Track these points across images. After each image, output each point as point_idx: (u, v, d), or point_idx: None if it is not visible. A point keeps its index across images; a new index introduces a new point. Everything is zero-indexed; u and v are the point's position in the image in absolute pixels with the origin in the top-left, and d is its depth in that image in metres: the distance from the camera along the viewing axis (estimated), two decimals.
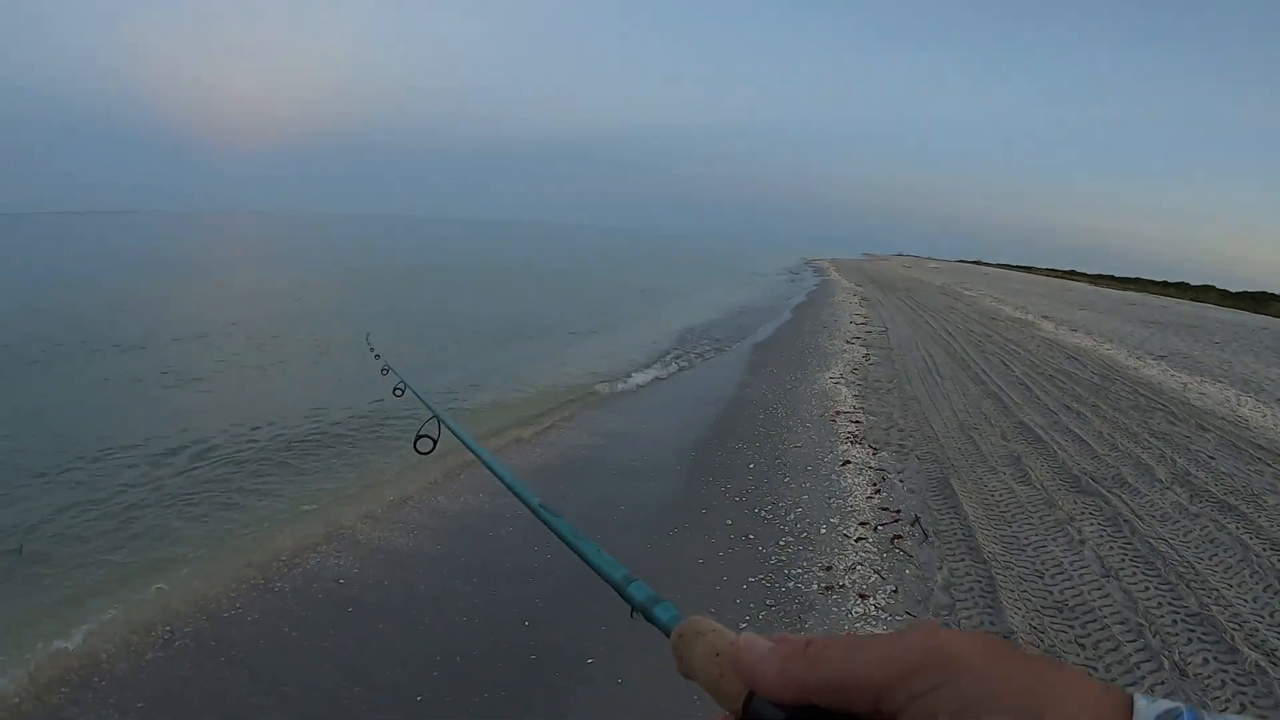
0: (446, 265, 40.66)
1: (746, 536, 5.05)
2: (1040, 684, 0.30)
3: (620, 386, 10.05)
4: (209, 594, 4.31)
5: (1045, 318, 20.49)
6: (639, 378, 10.65)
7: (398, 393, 2.22)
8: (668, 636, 0.47)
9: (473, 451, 1.17)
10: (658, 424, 8.17)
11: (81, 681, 3.49)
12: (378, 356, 2.96)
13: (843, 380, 9.99)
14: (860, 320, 17.34)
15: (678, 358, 12.51)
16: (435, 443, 1.54)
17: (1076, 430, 7.74)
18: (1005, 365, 11.56)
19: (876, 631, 0.44)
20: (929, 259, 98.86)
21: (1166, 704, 0.29)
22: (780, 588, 4.33)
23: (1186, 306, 32.98)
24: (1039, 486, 6.01)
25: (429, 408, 1.65)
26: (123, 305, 16.72)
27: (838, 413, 8.18)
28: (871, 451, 6.81)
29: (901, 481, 6.06)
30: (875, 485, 5.95)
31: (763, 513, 5.45)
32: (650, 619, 0.53)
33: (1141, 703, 0.29)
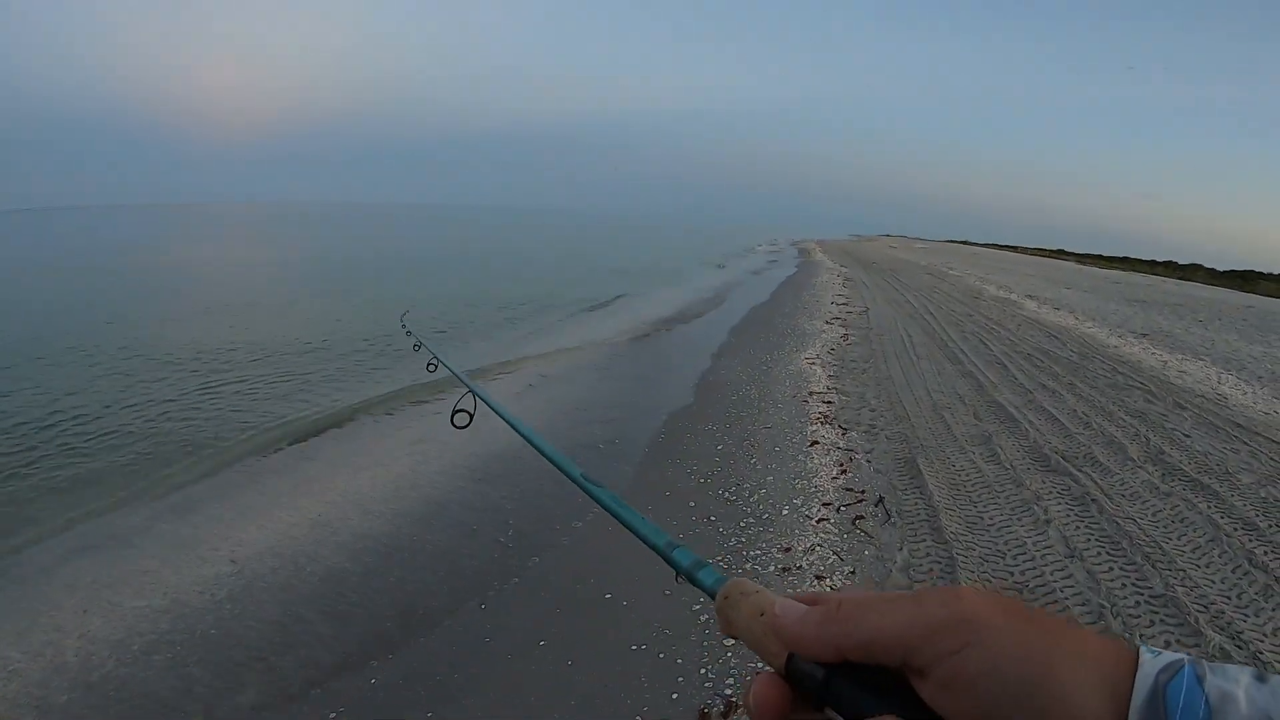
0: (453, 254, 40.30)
1: (708, 518, 4.90)
2: (1053, 642, 0.33)
3: (587, 362, 9.87)
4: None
5: (1029, 296, 20.40)
6: (605, 356, 10.47)
7: (430, 368, 2.25)
8: (712, 599, 0.48)
9: (510, 424, 1.16)
10: (626, 406, 7.99)
11: None
12: (409, 333, 3.01)
13: (818, 361, 9.84)
14: (842, 301, 17.19)
15: (648, 338, 12.33)
16: (472, 416, 1.54)
17: (1050, 409, 7.62)
18: (984, 344, 11.44)
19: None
20: (916, 239, 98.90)
21: (1170, 656, 0.32)
22: (736, 569, 4.18)
23: (1171, 285, 33.00)
24: (1007, 466, 5.89)
25: (465, 383, 1.64)
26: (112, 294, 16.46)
27: (810, 393, 8.04)
28: (841, 431, 6.67)
29: (869, 462, 5.92)
30: (842, 466, 5.81)
31: (726, 494, 5.30)
32: (695, 583, 0.53)
33: (1146, 656, 0.32)
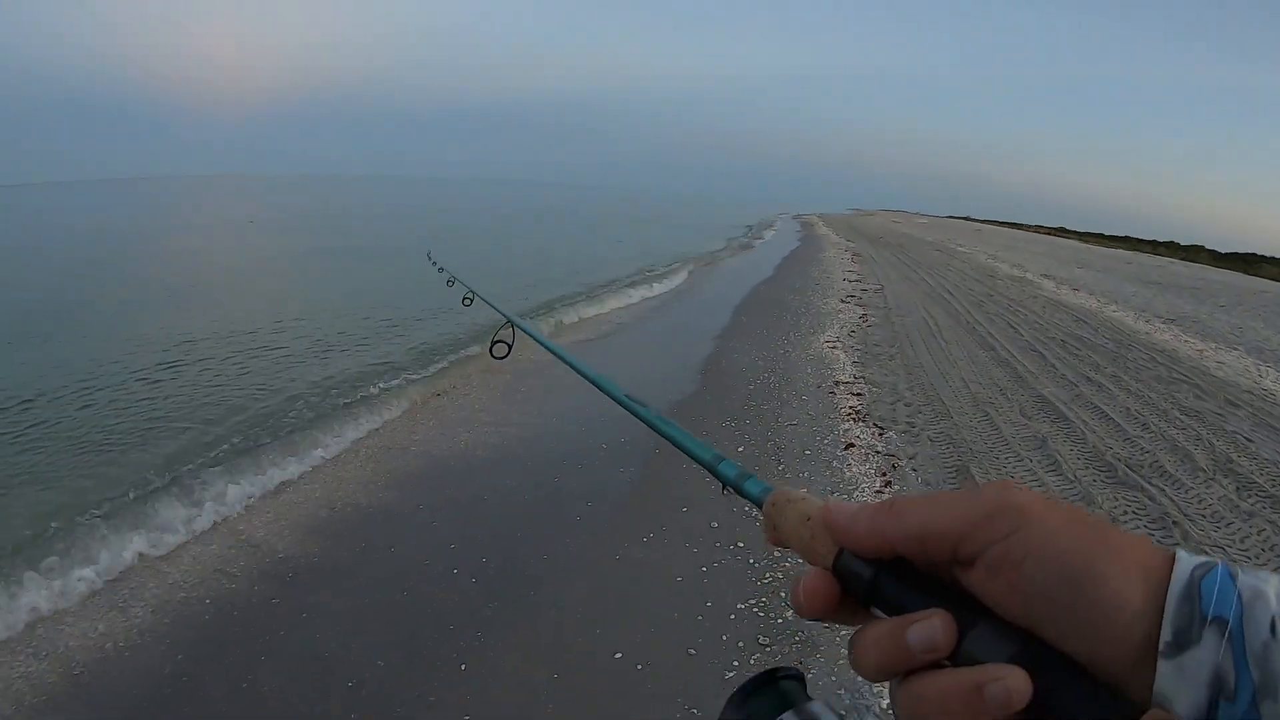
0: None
1: (735, 544, 4.19)
2: (1097, 537, 0.33)
3: (589, 338, 9.12)
4: None
5: (1045, 276, 19.65)
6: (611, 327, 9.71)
7: (466, 302, 2.26)
8: (760, 509, 0.49)
9: (551, 351, 1.16)
10: (633, 392, 7.24)
11: None
12: (440, 270, 2.97)
13: (839, 344, 9.11)
14: (854, 278, 16.41)
15: (654, 316, 11.56)
16: (510, 347, 1.54)
17: (1102, 406, 6.92)
18: (1012, 328, 10.71)
19: None
20: (917, 214, 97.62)
21: (1204, 557, 0.32)
22: (775, 618, 3.48)
23: (1181, 267, 32.27)
24: (1072, 478, 5.19)
25: (501, 313, 1.61)
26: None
27: (836, 382, 7.31)
28: (878, 431, 5.95)
29: (915, 471, 5.21)
30: (885, 476, 5.10)
31: (754, 512, 4.57)
32: (742, 493, 0.53)
33: (1183, 554, 0.32)
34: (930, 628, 0.35)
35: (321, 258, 20.36)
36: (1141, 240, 57.01)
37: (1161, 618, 0.31)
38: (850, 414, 6.35)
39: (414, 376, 7.80)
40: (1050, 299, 14.76)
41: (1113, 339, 10.61)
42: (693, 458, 0.63)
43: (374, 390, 7.28)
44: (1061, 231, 67.86)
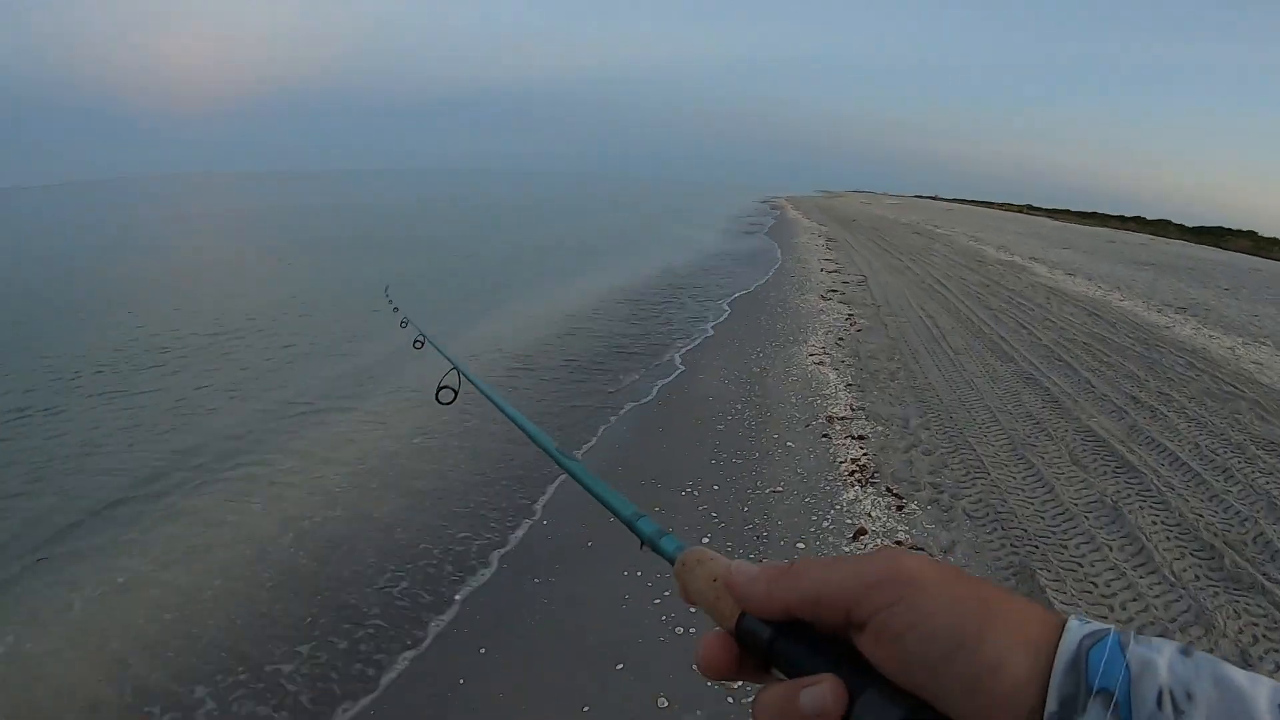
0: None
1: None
2: (984, 605, 0.33)
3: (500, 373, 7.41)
4: None
5: (1035, 259, 18.28)
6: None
7: (417, 345, 2.22)
8: (673, 565, 0.48)
9: (491, 401, 1.17)
10: (550, 436, 5.56)
11: None
12: (396, 309, 2.92)
13: (827, 357, 7.49)
14: (832, 268, 14.81)
15: (593, 321, 9.85)
16: (456, 393, 1.54)
17: (1166, 443, 5.39)
18: (1024, 328, 9.19)
19: None
20: (886, 195, 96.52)
21: (1097, 625, 0.32)
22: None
23: (1164, 244, 31.23)
24: (1172, 579, 3.63)
25: (449, 359, 1.62)
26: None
27: (830, 418, 5.69)
28: (894, 504, 4.33)
29: None
30: None
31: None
32: (657, 550, 0.53)
33: (1074, 623, 0.32)
34: (820, 693, 0.35)
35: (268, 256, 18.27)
36: (1109, 216, 56.42)
37: (1048, 688, 0.31)
38: (854, 473, 4.72)
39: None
40: (1049, 287, 13.31)
41: (1136, 338, 9.14)
42: (612, 511, 0.62)
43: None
44: (1029, 209, 67.16)
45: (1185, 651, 0.30)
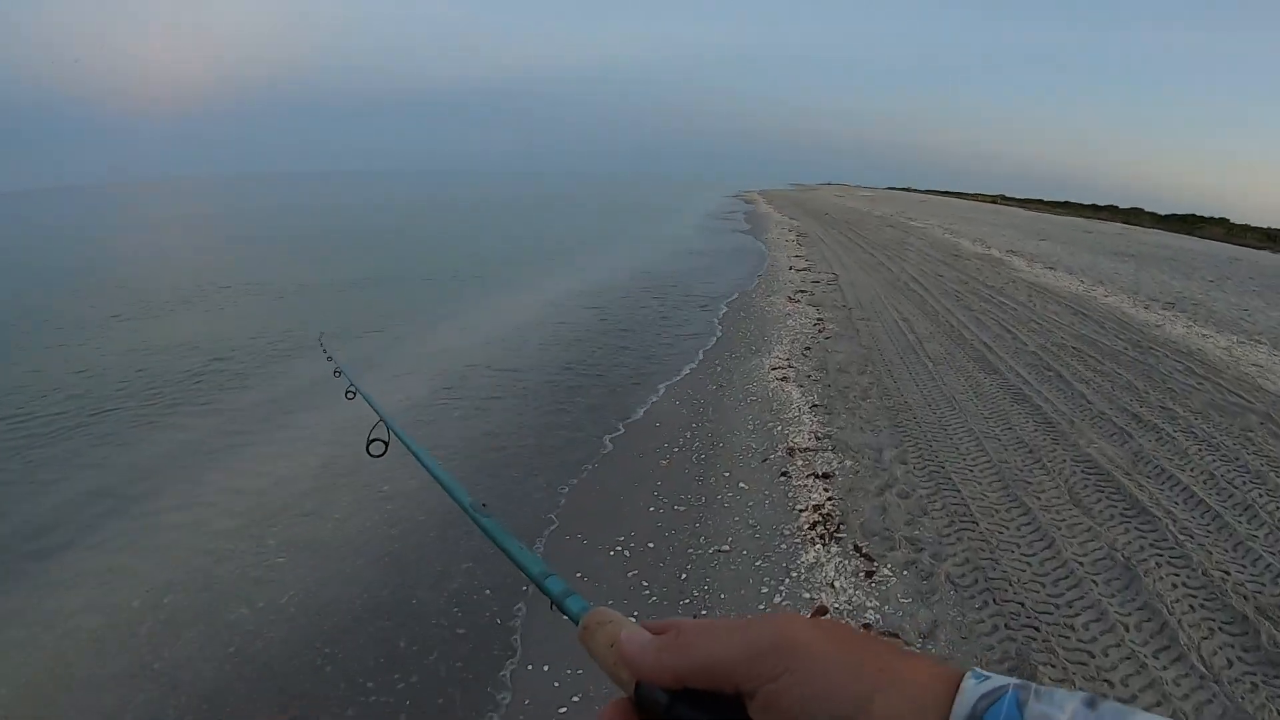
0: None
1: None
2: (873, 669, 0.32)
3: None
4: None
5: (1012, 252, 17.65)
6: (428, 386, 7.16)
7: (349, 395, 2.18)
8: (577, 626, 0.48)
9: (414, 455, 1.19)
10: (489, 502, 4.71)
11: None
12: (330, 359, 2.79)
13: (792, 371, 6.69)
14: (802, 265, 14.03)
15: (534, 338, 8.99)
16: (387, 445, 1.53)
17: (1176, 473, 4.65)
18: (1008, 332, 8.46)
19: None
20: (859, 187, 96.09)
21: (996, 681, 0.30)
22: None
23: (1141, 234, 30.75)
24: (1200, 666, 2.87)
25: (377, 413, 1.60)
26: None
27: (792, 450, 4.89)
28: (864, 570, 3.51)
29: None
30: None
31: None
32: (564, 611, 0.54)
33: (970, 681, 0.31)
34: None
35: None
36: (1081, 205, 56.47)
37: None
38: (816, 524, 3.90)
39: None
40: (1030, 282, 12.64)
41: (1128, 340, 8.44)
42: (522, 570, 0.63)
43: None
44: (1002, 199, 67.07)
45: (1090, 703, 0.28)
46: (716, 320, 9.26)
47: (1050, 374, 6.77)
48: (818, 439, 5.04)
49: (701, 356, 7.48)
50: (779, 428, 5.29)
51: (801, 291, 10.94)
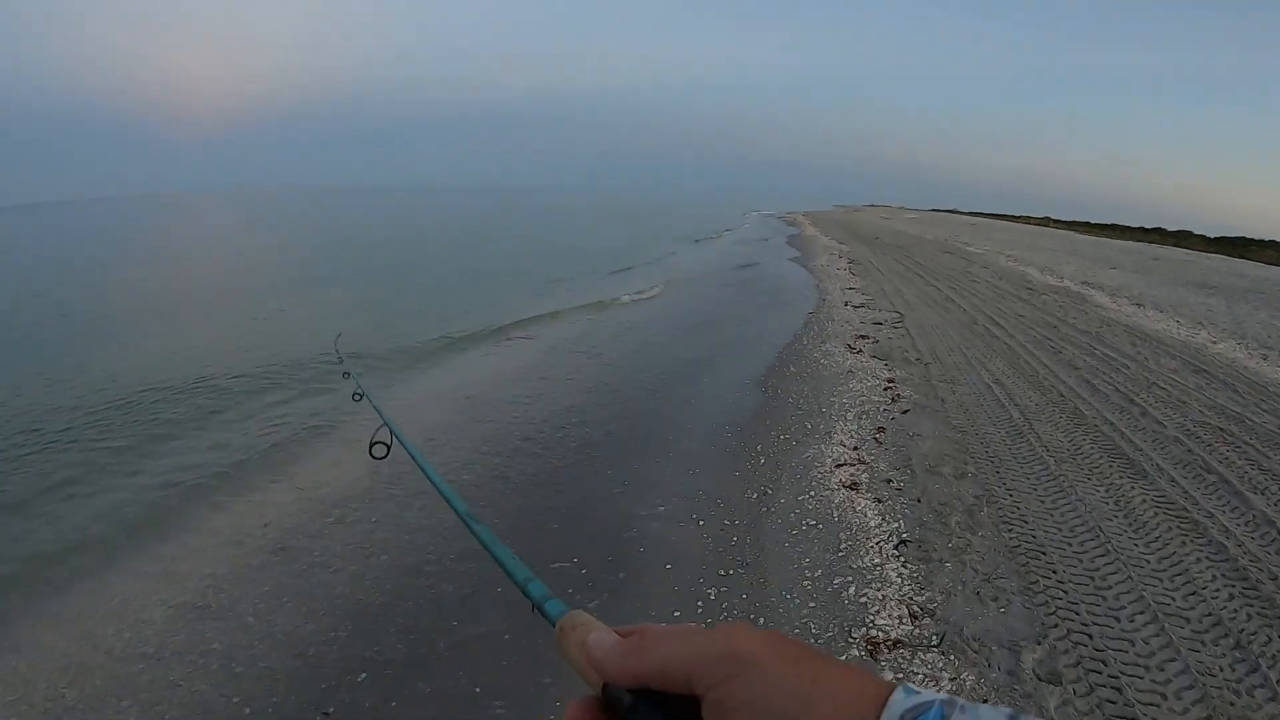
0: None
1: None
2: (813, 683, 0.33)
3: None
4: None
5: (1086, 284, 15.61)
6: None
7: (356, 398, 2.20)
8: (554, 628, 0.50)
9: (414, 459, 1.21)
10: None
11: None
12: (340, 361, 2.89)
13: (862, 470, 4.95)
14: (858, 301, 12.22)
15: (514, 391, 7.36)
16: (389, 449, 1.54)
17: None
18: (1130, 401, 6.60)
19: None
20: (903, 208, 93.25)
21: (924, 697, 0.31)
22: None
23: (1208, 260, 28.09)
24: None
25: (381, 416, 1.63)
26: None
27: (873, 643, 3.16)
28: None
29: None
30: None
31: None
32: (543, 613, 0.55)
33: (899, 695, 0.31)
34: None
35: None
36: (1128, 227, 53.72)
37: None
38: None
39: None
40: (1125, 325, 10.69)
41: (1270, 410, 6.54)
42: (508, 574, 0.63)
43: None
44: (1049, 221, 64.24)
45: (1012, 719, 0.29)
46: (760, 374, 7.52)
47: (1213, 478, 4.91)
48: (913, 619, 3.28)
49: (732, 437, 5.75)
50: (852, 588, 3.55)
51: (862, 337, 9.17)
